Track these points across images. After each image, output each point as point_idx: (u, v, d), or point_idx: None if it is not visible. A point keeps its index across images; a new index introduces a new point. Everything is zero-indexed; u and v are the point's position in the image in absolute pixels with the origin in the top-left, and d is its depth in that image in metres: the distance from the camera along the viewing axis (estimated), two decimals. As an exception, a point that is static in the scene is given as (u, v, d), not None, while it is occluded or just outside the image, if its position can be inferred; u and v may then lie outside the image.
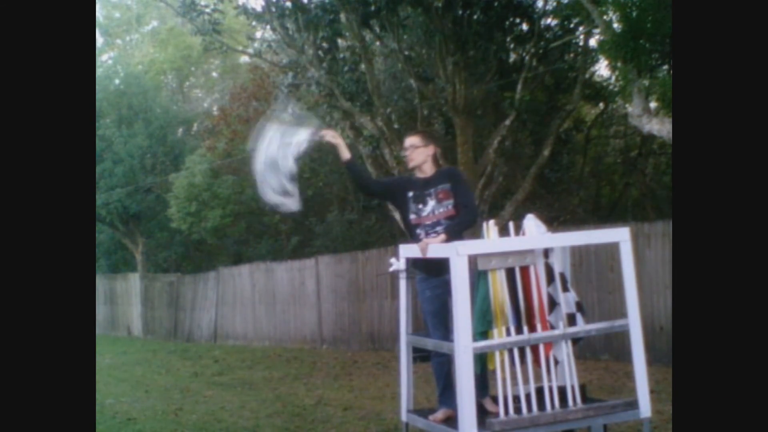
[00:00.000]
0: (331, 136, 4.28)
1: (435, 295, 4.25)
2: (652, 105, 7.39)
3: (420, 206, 4.27)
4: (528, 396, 3.62)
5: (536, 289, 3.70)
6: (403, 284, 4.26)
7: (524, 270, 3.69)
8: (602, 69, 13.57)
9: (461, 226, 4.16)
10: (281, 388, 8.48)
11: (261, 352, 13.19)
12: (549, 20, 11.60)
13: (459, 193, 4.26)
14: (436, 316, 4.25)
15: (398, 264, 4.25)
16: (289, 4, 11.08)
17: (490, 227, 3.82)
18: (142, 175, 19.61)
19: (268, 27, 12.77)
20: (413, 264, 4.22)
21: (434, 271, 4.18)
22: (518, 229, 3.90)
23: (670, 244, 8.07)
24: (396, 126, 11.60)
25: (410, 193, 4.32)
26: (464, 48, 10.44)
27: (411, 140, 4.40)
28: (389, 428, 5.87)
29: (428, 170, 4.35)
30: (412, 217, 4.30)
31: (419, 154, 4.34)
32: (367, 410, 6.69)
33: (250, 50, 16.08)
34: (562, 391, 3.70)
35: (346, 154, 4.30)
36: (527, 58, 11.10)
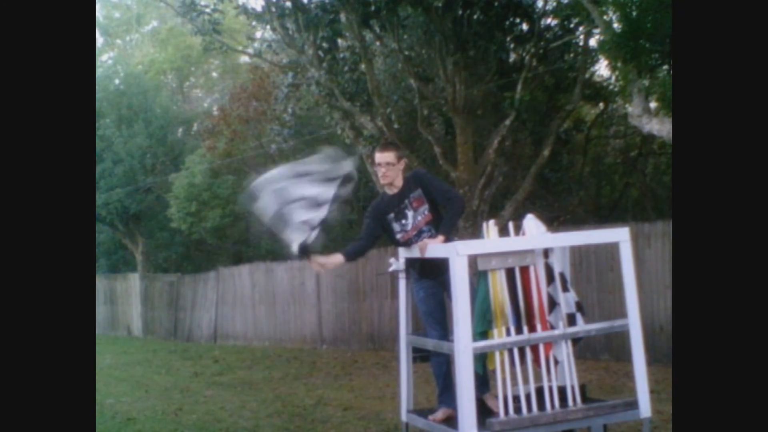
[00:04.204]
0: (318, 265, 4.11)
1: (429, 295, 4.25)
2: (652, 105, 7.38)
3: (403, 222, 4.25)
4: (528, 396, 3.62)
5: (536, 289, 3.70)
6: (402, 284, 4.27)
7: (524, 270, 3.69)
8: (602, 69, 13.57)
9: (454, 219, 4.16)
10: (281, 388, 8.48)
11: (261, 352, 13.19)
12: (549, 20, 11.59)
13: (434, 192, 4.23)
14: (431, 316, 4.25)
15: (398, 264, 4.26)
16: (289, 4, 11.06)
17: (490, 227, 3.82)
18: (142, 175, 19.61)
19: (268, 27, 12.76)
20: (410, 264, 4.23)
21: (427, 272, 4.18)
22: (518, 229, 3.90)
23: (670, 244, 8.06)
24: (396, 126, 11.59)
25: (391, 215, 4.28)
26: (464, 48, 10.43)
27: (387, 156, 4.23)
28: (389, 428, 5.87)
29: (398, 184, 4.30)
30: (400, 235, 4.28)
31: (395, 171, 4.26)
32: (367, 410, 6.69)
33: (250, 50, 16.08)
34: (562, 391, 3.70)
35: (338, 259, 4.18)
36: (527, 58, 11.08)
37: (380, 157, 4.27)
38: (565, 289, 3.78)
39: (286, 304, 14.39)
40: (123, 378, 10.29)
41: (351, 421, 6.25)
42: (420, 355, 4.25)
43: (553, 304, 3.75)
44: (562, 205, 13.08)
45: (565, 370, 3.71)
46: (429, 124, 11.68)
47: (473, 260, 3.61)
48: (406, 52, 11.48)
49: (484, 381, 4.02)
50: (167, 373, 10.67)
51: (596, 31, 9.68)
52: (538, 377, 3.66)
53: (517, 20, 11.22)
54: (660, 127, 6.78)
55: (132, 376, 10.52)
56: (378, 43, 12.36)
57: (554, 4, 11.21)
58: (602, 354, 8.64)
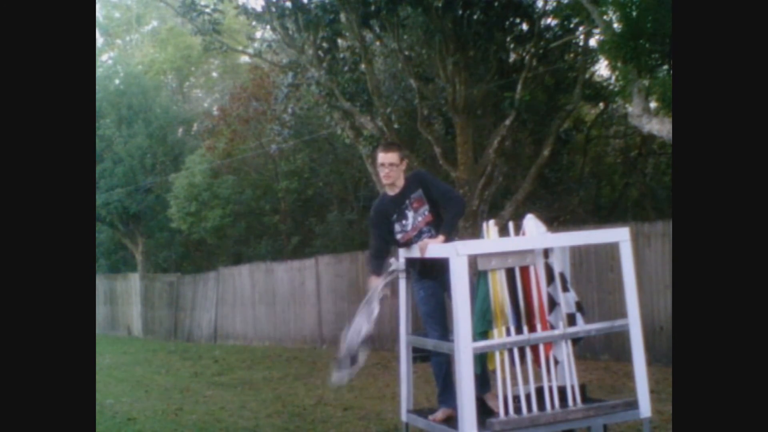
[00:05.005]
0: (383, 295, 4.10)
1: (429, 295, 4.25)
2: (652, 105, 7.38)
3: (404, 222, 4.25)
4: (528, 396, 3.62)
5: (536, 289, 3.70)
6: (403, 284, 4.27)
7: (524, 270, 3.69)
8: (602, 69, 13.57)
9: (455, 220, 4.15)
10: (281, 388, 8.48)
11: (261, 352, 13.19)
12: (549, 20, 11.58)
13: (434, 192, 4.22)
14: (432, 316, 4.25)
15: (398, 264, 4.26)
16: (289, 4, 11.06)
17: (490, 227, 3.82)
18: (142, 175, 19.61)
19: (268, 27, 12.77)
20: (410, 265, 4.23)
21: (428, 273, 4.18)
22: (518, 229, 3.90)
23: (670, 244, 8.06)
24: (396, 126, 11.59)
25: (394, 216, 4.27)
26: (464, 48, 10.42)
27: (390, 157, 4.22)
28: (389, 428, 5.87)
29: (400, 184, 4.29)
30: (400, 236, 4.27)
31: (398, 172, 4.25)
32: (367, 410, 6.69)
33: (250, 50, 16.07)
34: (562, 391, 3.70)
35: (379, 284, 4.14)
36: (527, 58, 11.08)
37: (383, 157, 4.25)
38: (565, 289, 3.78)
39: (286, 304, 14.38)
40: (123, 378, 10.29)
41: (351, 421, 6.25)
42: (420, 355, 4.25)
43: (553, 304, 3.75)
44: (562, 205, 13.07)
45: (565, 370, 3.71)
46: (429, 124, 11.67)
47: (473, 260, 3.60)
48: (406, 52, 11.48)
49: (484, 380, 4.02)
50: (167, 373, 10.67)
51: (596, 31, 9.68)
52: (538, 377, 3.66)
53: (517, 20, 11.21)
54: (660, 127, 6.78)
55: (132, 376, 10.52)
56: (378, 43, 12.36)
57: (554, 4, 11.21)
58: (602, 354, 8.64)
